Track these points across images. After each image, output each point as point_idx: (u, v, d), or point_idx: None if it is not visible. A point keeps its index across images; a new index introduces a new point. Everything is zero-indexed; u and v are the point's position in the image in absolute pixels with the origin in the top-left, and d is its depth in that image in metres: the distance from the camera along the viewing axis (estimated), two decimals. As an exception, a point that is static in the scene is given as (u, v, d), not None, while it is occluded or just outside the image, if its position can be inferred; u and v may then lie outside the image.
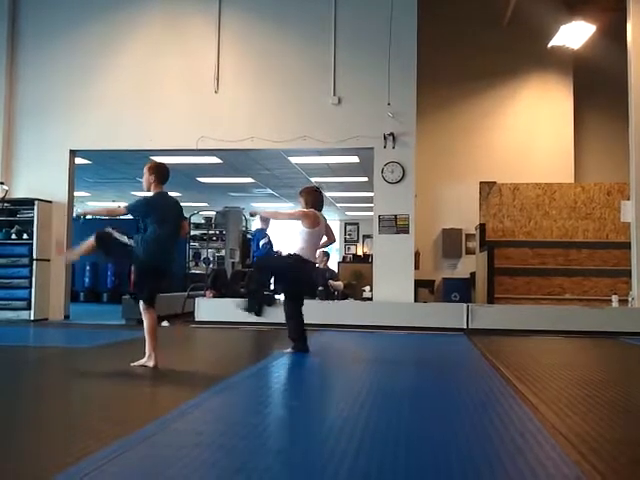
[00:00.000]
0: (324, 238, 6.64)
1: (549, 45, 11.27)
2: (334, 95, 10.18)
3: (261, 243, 10.16)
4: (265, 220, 10.48)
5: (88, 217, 5.12)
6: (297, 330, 6.34)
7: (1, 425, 3.59)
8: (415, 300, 10.21)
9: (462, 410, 4.08)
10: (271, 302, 9.87)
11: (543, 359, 7.02)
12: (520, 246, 10.96)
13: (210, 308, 10.15)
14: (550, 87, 12.69)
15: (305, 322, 6.44)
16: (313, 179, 15.07)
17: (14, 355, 6.72)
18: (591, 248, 10.86)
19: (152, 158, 12.26)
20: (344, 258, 20.01)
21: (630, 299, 9.55)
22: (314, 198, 6.48)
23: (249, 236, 14.77)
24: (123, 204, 5.73)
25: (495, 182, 11.21)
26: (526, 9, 11.85)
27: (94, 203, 20.94)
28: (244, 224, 16.20)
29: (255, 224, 14.83)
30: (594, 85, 12.69)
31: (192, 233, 15.94)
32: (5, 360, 6.31)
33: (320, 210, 6.49)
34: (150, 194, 5.57)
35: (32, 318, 10.07)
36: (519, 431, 3.45)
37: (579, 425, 3.56)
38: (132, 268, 5.61)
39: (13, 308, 10.16)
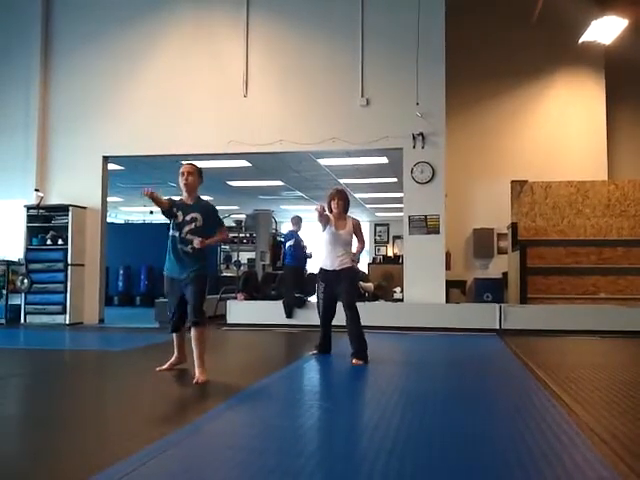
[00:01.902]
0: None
1: (580, 41, 11.09)
2: (362, 96, 10.18)
3: (287, 245, 10.20)
4: (297, 222, 10.53)
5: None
6: (321, 336, 6.52)
7: (38, 426, 3.66)
8: (446, 301, 10.14)
9: (496, 411, 4.05)
10: (301, 304, 9.95)
11: (577, 360, 6.93)
12: (553, 245, 10.81)
13: (241, 311, 10.22)
14: (581, 84, 12.50)
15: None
16: (342, 181, 15.08)
17: (51, 358, 6.84)
18: (626, 246, 10.66)
19: (183, 162, 12.45)
20: (374, 259, 19.96)
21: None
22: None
23: (280, 239, 14.82)
24: (220, 228, 5.36)
25: (527, 181, 11.07)
26: (555, 5, 11.70)
27: (127, 208, 21.24)
28: (274, 226, 16.26)
29: (286, 226, 14.88)
30: (627, 80, 12.46)
31: (223, 236, 16.08)
32: (42, 363, 6.43)
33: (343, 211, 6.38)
34: (205, 198, 5.48)
35: (67, 322, 10.24)
36: (554, 432, 3.41)
37: (615, 426, 3.50)
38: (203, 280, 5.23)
39: (49, 312, 10.34)
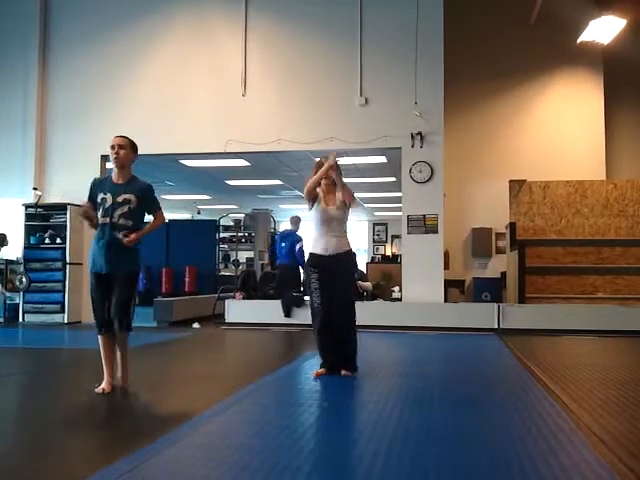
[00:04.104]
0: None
1: (578, 41, 11.10)
2: (361, 96, 10.18)
3: (297, 247, 10.18)
4: (296, 222, 10.53)
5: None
6: (320, 347, 5.75)
7: (37, 425, 3.65)
8: (445, 300, 10.15)
9: (493, 411, 4.05)
10: (300, 303, 9.96)
11: (575, 359, 6.93)
12: (551, 245, 10.81)
13: (240, 310, 10.22)
14: (580, 83, 12.50)
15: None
16: (341, 180, 15.05)
17: (49, 357, 6.84)
18: (624, 246, 10.67)
19: (182, 162, 12.45)
20: (373, 259, 19.97)
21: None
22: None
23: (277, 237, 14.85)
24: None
25: (525, 180, 11.07)
26: (554, 4, 11.71)
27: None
28: (273, 226, 16.27)
29: (284, 225, 14.89)
30: (625, 80, 12.47)
31: (221, 235, 16.09)
32: (41, 362, 6.43)
33: None
34: (141, 179, 4.71)
35: (66, 321, 10.23)
36: (552, 432, 3.42)
37: (613, 426, 3.51)
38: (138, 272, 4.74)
39: (47, 311, 10.34)
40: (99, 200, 4.52)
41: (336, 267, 5.14)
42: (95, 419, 3.86)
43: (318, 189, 5.34)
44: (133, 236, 4.46)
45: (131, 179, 4.60)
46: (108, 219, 4.47)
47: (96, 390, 4.38)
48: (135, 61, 10.90)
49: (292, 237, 10.36)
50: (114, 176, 4.61)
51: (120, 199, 4.49)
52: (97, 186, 4.63)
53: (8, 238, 10.23)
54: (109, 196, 4.49)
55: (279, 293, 10.26)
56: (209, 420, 3.71)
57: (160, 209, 4.72)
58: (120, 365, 4.57)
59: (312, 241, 5.31)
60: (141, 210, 4.58)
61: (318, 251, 5.21)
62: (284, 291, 10.03)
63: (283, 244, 10.39)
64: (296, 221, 10.52)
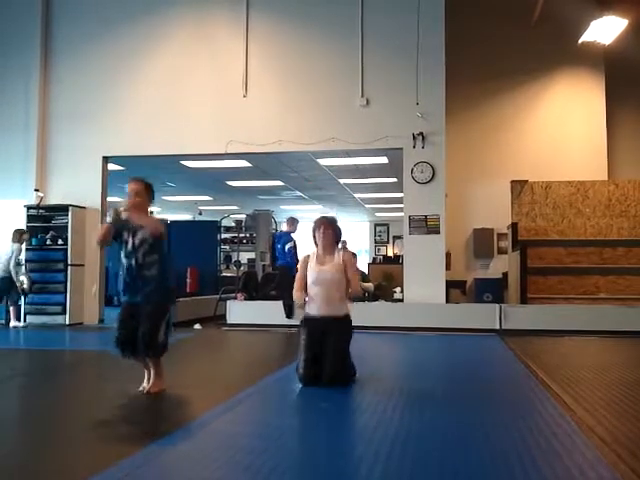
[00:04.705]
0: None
1: (579, 41, 11.08)
2: (362, 96, 10.17)
3: (287, 247, 10.18)
4: (292, 223, 10.52)
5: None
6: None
7: (38, 426, 3.65)
8: (447, 301, 10.13)
9: (496, 412, 4.04)
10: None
11: (577, 360, 6.92)
12: (553, 245, 10.80)
13: (241, 311, 10.22)
14: (581, 84, 12.49)
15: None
16: (342, 181, 15.08)
17: (51, 359, 6.84)
18: (626, 246, 10.66)
19: (183, 163, 12.45)
20: (374, 259, 19.96)
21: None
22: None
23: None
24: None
25: (527, 180, 11.06)
26: (555, 5, 11.69)
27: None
28: (274, 227, 16.26)
29: (282, 226, 14.88)
30: (627, 80, 12.44)
31: (223, 236, 16.11)
32: (42, 363, 6.43)
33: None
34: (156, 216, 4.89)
35: (67, 322, 10.23)
36: (554, 432, 3.41)
37: (615, 427, 3.50)
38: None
39: (49, 313, 10.33)
40: (123, 236, 4.57)
41: (329, 330, 4.84)
42: (96, 421, 3.86)
43: (315, 252, 5.07)
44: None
45: (147, 218, 4.70)
46: (133, 261, 4.52)
47: (138, 390, 4.49)
48: (136, 62, 10.90)
49: (285, 238, 10.35)
50: (133, 216, 4.61)
51: (138, 241, 4.54)
52: (122, 222, 4.62)
53: (26, 235, 10.18)
54: (130, 239, 4.55)
55: (279, 294, 10.25)
56: (211, 421, 3.71)
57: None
58: (152, 376, 4.58)
59: (307, 303, 5.03)
60: (160, 242, 4.61)
61: (311, 312, 4.97)
62: (283, 292, 10.02)
63: (279, 245, 10.39)
64: (292, 222, 10.50)
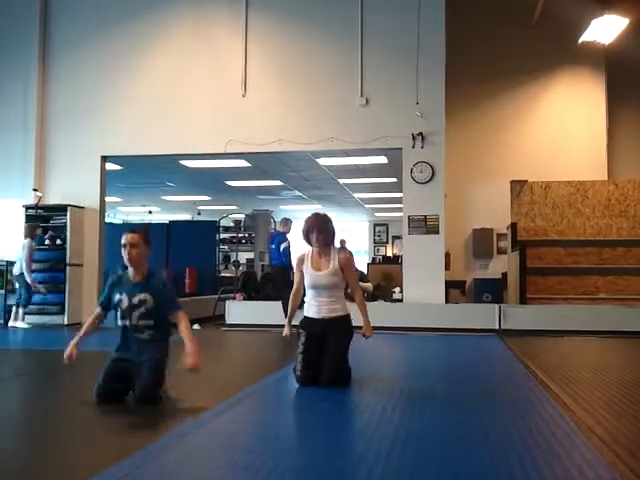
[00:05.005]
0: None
1: (580, 40, 11.08)
2: (362, 96, 10.16)
3: (282, 247, 10.18)
4: (286, 224, 10.52)
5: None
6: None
7: (38, 426, 3.64)
8: (446, 301, 10.13)
9: (495, 412, 4.04)
10: (300, 305, 9.92)
11: (577, 360, 6.92)
12: (552, 245, 10.80)
13: (240, 311, 10.22)
14: (582, 83, 12.50)
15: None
16: (341, 180, 15.07)
17: (49, 359, 6.82)
18: (626, 246, 10.66)
19: (182, 163, 12.44)
20: (373, 259, 19.96)
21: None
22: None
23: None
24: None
25: (526, 180, 11.06)
26: (555, 5, 11.69)
27: (125, 208, 21.23)
28: (273, 227, 16.26)
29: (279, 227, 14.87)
30: (627, 80, 12.45)
31: (222, 236, 16.11)
32: (41, 364, 6.42)
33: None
34: (156, 270, 4.42)
35: (66, 322, 10.21)
36: (554, 433, 3.40)
37: (615, 427, 3.49)
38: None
39: (47, 313, 10.31)
40: (115, 300, 4.24)
41: (328, 332, 4.75)
42: (95, 421, 3.85)
43: (310, 252, 4.88)
44: (194, 362, 4.06)
45: (147, 275, 4.27)
46: (128, 322, 4.20)
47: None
48: (135, 61, 10.89)
49: (279, 238, 10.35)
50: (130, 273, 4.27)
51: (136, 300, 4.18)
52: (114, 284, 4.31)
53: (39, 230, 10.14)
54: (125, 297, 4.20)
55: (275, 294, 10.24)
56: (210, 421, 3.70)
57: (179, 309, 4.26)
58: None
59: (305, 304, 4.95)
60: (160, 309, 4.23)
61: (310, 314, 4.86)
62: (279, 292, 10.02)
63: (273, 246, 10.40)
64: (285, 223, 10.51)
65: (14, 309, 9.85)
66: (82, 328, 4.45)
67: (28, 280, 9.64)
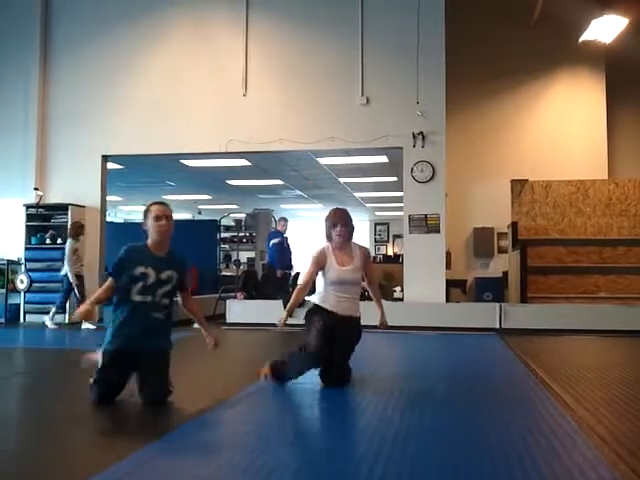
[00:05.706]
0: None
1: (580, 40, 11.07)
2: (362, 95, 10.16)
3: (271, 243, 10.20)
4: (281, 223, 10.55)
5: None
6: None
7: (38, 426, 3.64)
8: (447, 300, 10.13)
9: (495, 411, 4.04)
10: (302, 304, 9.93)
11: (577, 359, 6.91)
12: (553, 244, 10.79)
13: (241, 310, 10.21)
14: (582, 83, 12.48)
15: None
16: (342, 180, 15.08)
17: (50, 358, 6.83)
18: (626, 245, 10.65)
19: (182, 162, 12.44)
20: (374, 258, 19.96)
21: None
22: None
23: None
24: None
25: (527, 180, 11.05)
26: (555, 4, 11.67)
27: (126, 207, 21.23)
28: (273, 226, 16.27)
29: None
30: (627, 79, 12.43)
31: (222, 235, 16.12)
32: (41, 363, 6.42)
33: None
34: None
35: (66, 322, 10.21)
36: (554, 432, 3.40)
37: (616, 426, 3.49)
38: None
39: (48, 312, 10.29)
40: (137, 274, 3.90)
41: (339, 329, 4.63)
42: (95, 420, 3.85)
43: (329, 247, 4.70)
44: (217, 341, 4.39)
45: (170, 252, 4.08)
46: (150, 297, 3.92)
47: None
48: (136, 61, 10.89)
49: (272, 236, 10.39)
50: (153, 247, 4.00)
51: (164, 276, 3.97)
52: (133, 257, 3.97)
53: (81, 230, 9.98)
54: (151, 271, 3.91)
55: (274, 293, 10.26)
56: (210, 421, 3.70)
57: (188, 288, 4.29)
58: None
59: (319, 296, 4.74)
60: (179, 287, 4.13)
61: (325, 305, 4.67)
62: (277, 290, 10.04)
63: (269, 244, 10.44)
64: (282, 223, 10.53)
65: (53, 309, 9.70)
66: (94, 294, 4.28)
67: (71, 280, 9.53)
